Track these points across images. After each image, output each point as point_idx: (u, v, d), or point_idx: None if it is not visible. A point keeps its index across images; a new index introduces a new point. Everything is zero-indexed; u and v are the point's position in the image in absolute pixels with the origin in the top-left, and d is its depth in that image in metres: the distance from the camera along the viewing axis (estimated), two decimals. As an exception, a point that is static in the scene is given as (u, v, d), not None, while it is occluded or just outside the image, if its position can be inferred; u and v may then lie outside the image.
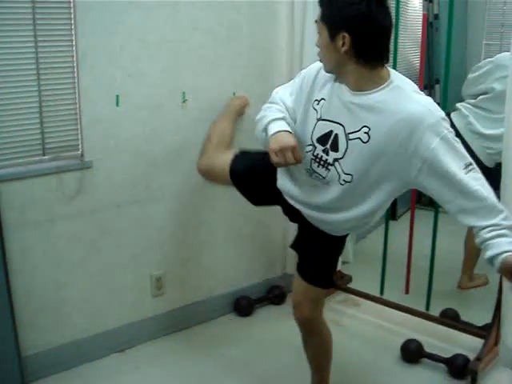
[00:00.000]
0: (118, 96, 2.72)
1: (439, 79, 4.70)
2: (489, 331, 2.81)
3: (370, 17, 1.82)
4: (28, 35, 2.45)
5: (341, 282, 3.51)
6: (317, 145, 2.04)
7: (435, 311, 3.13)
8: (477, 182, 1.82)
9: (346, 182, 2.00)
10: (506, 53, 3.06)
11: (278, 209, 2.43)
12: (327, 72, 1.99)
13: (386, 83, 1.90)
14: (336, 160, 2.00)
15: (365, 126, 1.91)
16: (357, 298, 3.42)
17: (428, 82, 4.79)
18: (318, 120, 2.03)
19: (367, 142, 1.91)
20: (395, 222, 4.38)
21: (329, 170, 2.02)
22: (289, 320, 2.83)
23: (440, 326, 3.04)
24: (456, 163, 1.83)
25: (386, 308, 3.22)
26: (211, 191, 3.08)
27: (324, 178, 2.05)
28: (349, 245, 3.65)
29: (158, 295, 3.08)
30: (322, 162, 2.04)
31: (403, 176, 1.93)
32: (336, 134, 1.98)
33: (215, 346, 3.05)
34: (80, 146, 2.69)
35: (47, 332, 2.73)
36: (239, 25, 3.07)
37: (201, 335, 3.16)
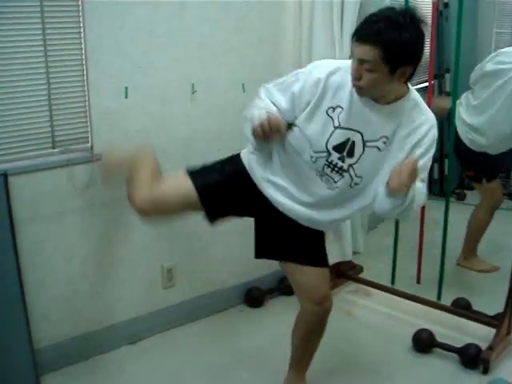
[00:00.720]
0: (126, 88, 2.72)
1: (449, 68, 4.67)
2: (501, 320, 2.81)
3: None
4: (36, 28, 2.45)
5: (352, 273, 3.50)
6: (332, 152, 2.05)
7: (447, 301, 3.12)
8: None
9: (356, 184, 2.07)
10: None
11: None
12: (365, 97, 1.99)
13: (407, 95, 2.03)
14: (351, 165, 2.04)
15: (384, 137, 2.01)
16: (368, 288, 3.41)
17: (438, 71, 4.75)
18: (336, 128, 2.03)
19: (383, 149, 2.01)
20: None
21: (343, 176, 2.06)
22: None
23: (452, 316, 3.04)
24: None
25: (398, 298, 3.22)
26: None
27: (336, 182, 2.08)
28: (359, 235, 3.65)
29: (169, 287, 3.09)
30: (336, 169, 2.07)
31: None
32: (353, 142, 2.03)
33: (227, 337, 3.05)
34: (90, 139, 2.70)
35: (59, 324, 2.75)
36: (248, 17, 3.05)
37: (212, 326, 3.17)
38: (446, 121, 3.43)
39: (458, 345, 2.81)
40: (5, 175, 2.44)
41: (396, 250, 3.29)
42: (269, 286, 3.44)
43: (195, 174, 2.34)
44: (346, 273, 3.48)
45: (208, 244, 3.18)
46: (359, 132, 2.02)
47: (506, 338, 2.82)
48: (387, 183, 1.94)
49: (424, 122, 2.03)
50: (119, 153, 2.59)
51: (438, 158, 4.96)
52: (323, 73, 2.04)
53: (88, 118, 2.67)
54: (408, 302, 3.16)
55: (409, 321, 3.12)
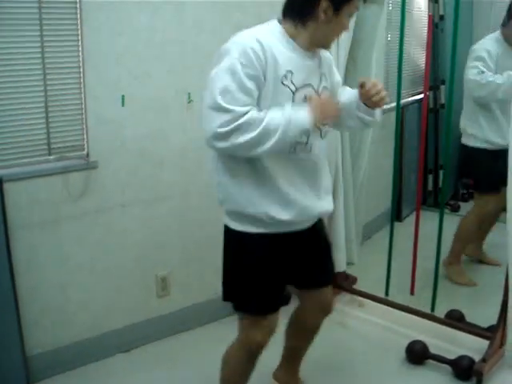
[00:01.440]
0: (123, 96, 2.73)
1: (445, 80, 4.70)
2: (494, 332, 2.80)
3: None
4: (34, 35, 2.46)
5: (346, 283, 3.50)
6: None
7: (441, 312, 3.12)
8: None
9: (327, 131, 2.10)
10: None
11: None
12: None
13: None
14: None
15: (323, 74, 2.06)
16: (362, 299, 3.41)
17: (434, 83, 4.78)
18: (294, 93, 1.94)
19: (328, 85, 2.09)
20: (400, 223, 4.38)
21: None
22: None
23: (445, 327, 3.03)
24: None
25: (391, 309, 3.22)
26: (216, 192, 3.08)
27: (307, 143, 2.00)
28: (353, 245, 3.65)
29: (163, 295, 3.08)
30: None
31: None
32: (310, 96, 1.97)
33: (221, 346, 3.03)
34: (85, 146, 2.70)
35: (52, 331, 2.74)
36: (245, 25, 3.03)
37: (206, 336, 3.15)
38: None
39: (452, 356, 2.81)
40: (1, 181, 2.45)
41: (390, 261, 3.29)
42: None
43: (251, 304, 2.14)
44: (339, 283, 3.47)
45: (202, 253, 3.17)
46: (310, 85, 1.99)
47: (499, 351, 2.82)
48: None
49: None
50: None
51: (433, 170, 4.98)
52: (257, 44, 1.89)
53: (84, 126, 2.67)
54: (402, 313, 3.16)
55: (402, 332, 3.11)
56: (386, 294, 3.33)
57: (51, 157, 2.62)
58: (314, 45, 1.99)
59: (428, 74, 3.22)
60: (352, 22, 2.98)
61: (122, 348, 2.97)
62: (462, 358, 2.78)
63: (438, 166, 4.96)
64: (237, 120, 1.80)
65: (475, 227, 3.64)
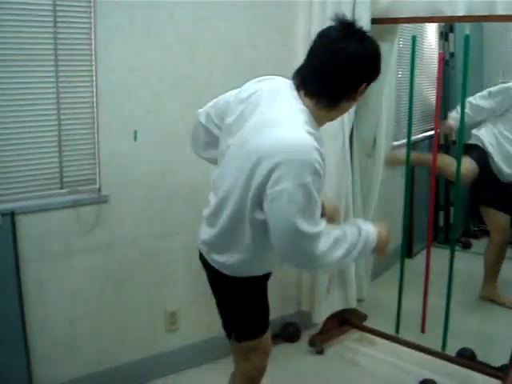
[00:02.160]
0: (135, 131, 2.76)
1: (456, 117, 4.70)
2: (506, 372, 2.76)
3: None
4: (49, 70, 2.50)
5: (356, 320, 3.47)
6: None
7: (451, 350, 3.08)
8: None
9: None
10: None
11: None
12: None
13: None
14: None
15: None
16: (372, 336, 3.38)
17: (444, 120, 4.79)
18: None
19: None
20: (411, 260, 4.35)
21: None
22: (304, 357, 2.81)
23: (456, 366, 3.00)
24: None
25: (402, 347, 3.18)
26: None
27: None
28: (364, 282, 3.63)
29: (172, 330, 3.07)
30: None
31: None
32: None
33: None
34: (97, 181, 2.72)
35: (60, 364, 2.72)
36: (257, 62, 3.11)
37: (215, 372, 3.11)
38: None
39: (463, 396, 2.78)
40: (12, 214, 2.47)
41: (400, 299, 3.27)
42: (272, 333, 3.39)
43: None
44: (350, 320, 3.45)
45: (212, 288, 3.16)
46: None
47: (511, 391, 2.78)
48: None
49: None
50: None
51: (444, 206, 4.97)
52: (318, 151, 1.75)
53: (97, 160, 2.70)
54: (412, 351, 3.13)
55: (413, 370, 3.07)
56: (397, 331, 3.30)
57: (63, 190, 2.64)
58: (330, 121, 1.97)
59: (439, 112, 3.23)
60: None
61: (129, 383, 2.94)
62: (473, 397, 2.74)
63: (448, 202, 4.94)
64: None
65: (495, 257, 3.75)
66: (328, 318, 3.34)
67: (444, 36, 4.70)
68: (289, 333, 3.41)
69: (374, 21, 2.89)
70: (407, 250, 4.24)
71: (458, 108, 3.45)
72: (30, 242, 2.55)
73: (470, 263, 3.67)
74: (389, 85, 3.59)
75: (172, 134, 2.88)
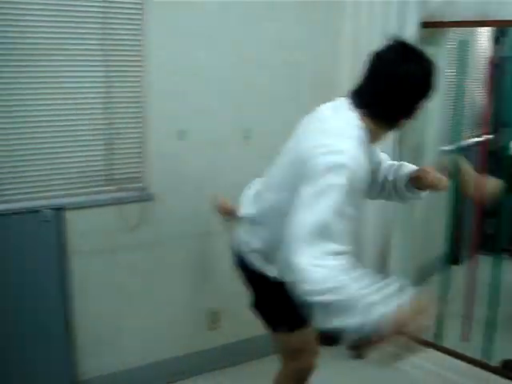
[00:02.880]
0: (182, 131, 2.80)
1: (506, 122, 4.60)
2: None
3: None
4: (99, 70, 2.58)
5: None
6: None
7: (495, 361, 3.02)
8: None
9: None
10: None
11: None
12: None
13: None
14: None
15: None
16: (414, 344, 3.32)
17: (496, 125, 4.69)
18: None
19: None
20: (458, 267, 4.27)
21: None
22: (342, 361, 2.79)
23: (500, 378, 2.94)
24: None
25: (445, 355, 3.14)
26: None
27: None
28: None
29: (213, 328, 3.10)
30: None
31: None
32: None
33: (270, 382, 3.02)
34: (143, 179, 2.78)
35: (104, 358, 2.79)
36: (303, 64, 3.11)
37: (255, 371, 3.14)
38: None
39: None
40: (61, 209, 2.54)
41: (442, 306, 3.22)
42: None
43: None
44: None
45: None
46: None
47: (556, 404, 2.72)
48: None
49: None
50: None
51: (493, 213, 4.85)
52: (354, 161, 1.73)
53: (143, 159, 2.76)
54: (455, 360, 3.08)
55: (455, 380, 3.02)
56: (439, 339, 3.25)
57: (110, 187, 2.71)
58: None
59: (488, 118, 3.18)
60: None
61: (169, 378, 2.99)
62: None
63: (498, 209, 4.83)
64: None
65: None
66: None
67: (496, 40, 4.60)
68: (328, 336, 3.39)
69: (424, 24, 2.86)
70: (454, 257, 4.17)
71: None
72: (77, 237, 2.62)
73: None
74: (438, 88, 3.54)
75: (217, 135, 2.91)
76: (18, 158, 2.48)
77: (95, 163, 2.65)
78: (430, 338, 3.24)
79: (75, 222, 2.61)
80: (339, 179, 1.66)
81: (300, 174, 1.77)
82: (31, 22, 2.40)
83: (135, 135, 2.73)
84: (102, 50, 2.56)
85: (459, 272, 3.89)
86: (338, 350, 3.32)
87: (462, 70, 3.01)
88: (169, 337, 2.98)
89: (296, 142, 1.98)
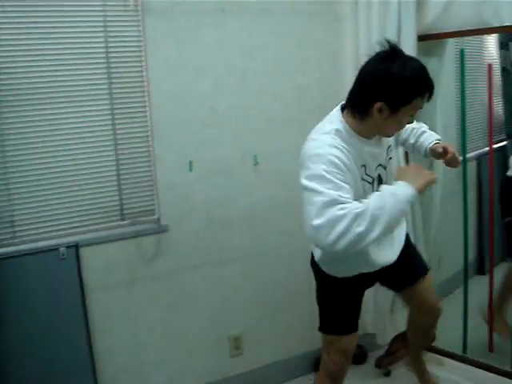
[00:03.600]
0: (191, 162, 2.85)
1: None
2: None
3: None
4: (105, 108, 2.65)
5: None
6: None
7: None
8: None
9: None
10: None
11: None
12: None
13: None
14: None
15: (388, 148, 2.21)
16: (440, 356, 3.29)
17: (510, 132, 4.64)
18: (373, 182, 2.11)
19: (393, 153, 2.29)
20: (483, 277, 4.21)
21: None
22: (370, 380, 2.77)
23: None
24: None
25: (471, 367, 3.09)
26: (287, 251, 3.13)
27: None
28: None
29: (236, 355, 3.11)
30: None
31: None
32: (379, 174, 2.15)
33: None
34: (156, 211, 2.82)
35: (128, 391, 2.82)
36: (307, 87, 3.14)
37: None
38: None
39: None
40: (76, 246, 2.60)
41: (466, 318, 3.19)
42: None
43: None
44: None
45: (274, 312, 3.19)
46: (379, 164, 2.14)
47: None
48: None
49: None
50: None
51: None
52: (337, 150, 1.93)
53: (155, 191, 2.81)
54: (481, 371, 3.03)
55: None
56: (464, 351, 3.21)
57: (124, 222, 2.76)
58: (374, 134, 2.07)
59: (492, 127, 3.17)
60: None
61: (196, 408, 3.01)
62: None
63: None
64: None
65: None
66: (393, 339, 3.29)
67: (503, 46, 4.57)
68: (355, 355, 3.36)
69: (421, 38, 2.88)
70: (479, 267, 4.12)
71: None
72: (93, 272, 2.67)
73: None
74: (443, 98, 3.53)
75: (226, 162, 2.95)
76: (33, 199, 2.55)
77: (108, 199, 2.71)
78: (456, 350, 3.21)
79: (91, 257, 2.66)
80: (317, 166, 1.88)
81: None
82: (38, 70, 2.50)
83: (145, 169, 2.78)
84: (107, 88, 2.63)
85: (485, 281, 3.85)
86: (366, 368, 3.31)
87: (462, 79, 3.01)
88: (193, 366, 2.99)
89: None
